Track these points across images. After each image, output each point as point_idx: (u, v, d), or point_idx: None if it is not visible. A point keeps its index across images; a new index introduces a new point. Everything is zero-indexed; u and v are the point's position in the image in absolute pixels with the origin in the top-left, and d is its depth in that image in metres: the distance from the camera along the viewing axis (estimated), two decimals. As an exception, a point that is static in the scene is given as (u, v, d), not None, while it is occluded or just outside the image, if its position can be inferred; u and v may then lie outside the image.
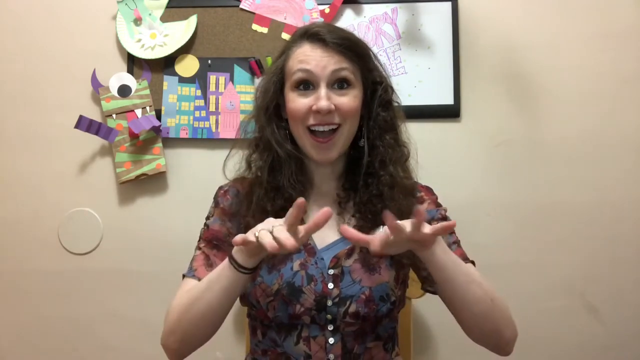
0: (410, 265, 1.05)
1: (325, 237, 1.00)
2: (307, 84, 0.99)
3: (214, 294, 0.92)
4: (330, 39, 0.98)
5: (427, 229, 0.81)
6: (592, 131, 1.50)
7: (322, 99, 0.96)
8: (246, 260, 0.89)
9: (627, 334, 1.50)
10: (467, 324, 0.95)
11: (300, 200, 0.77)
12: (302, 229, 0.82)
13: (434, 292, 1.02)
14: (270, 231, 0.79)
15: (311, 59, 0.98)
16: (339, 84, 0.99)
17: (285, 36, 1.49)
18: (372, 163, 1.02)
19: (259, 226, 0.84)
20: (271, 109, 1.03)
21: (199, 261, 1.02)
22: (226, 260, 0.91)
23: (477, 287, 0.91)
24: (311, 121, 0.98)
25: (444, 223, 0.82)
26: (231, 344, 1.50)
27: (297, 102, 0.99)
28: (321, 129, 0.99)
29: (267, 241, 0.78)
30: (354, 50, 1.00)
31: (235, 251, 0.90)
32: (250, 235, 0.82)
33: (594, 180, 1.50)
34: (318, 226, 0.79)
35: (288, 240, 0.77)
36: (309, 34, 1.00)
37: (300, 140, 1.02)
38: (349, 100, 0.99)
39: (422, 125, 1.49)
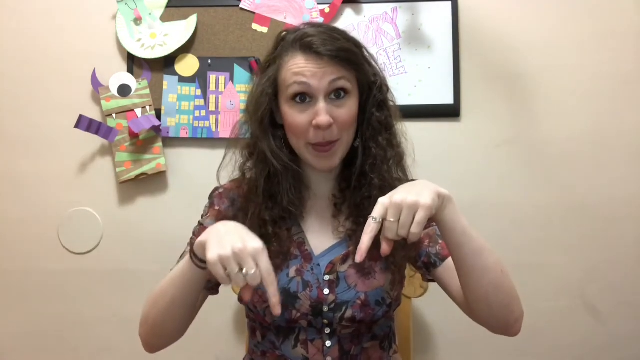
0: (406, 259, 1.03)
1: (322, 243, 1.00)
2: (303, 96, 0.95)
3: (176, 290, 0.91)
4: (325, 51, 0.94)
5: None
6: (592, 131, 1.50)
7: (322, 114, 0.93)
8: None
9: (627, 334, 1.50)
10: (475, 296, 0.90)
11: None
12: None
13: (433, 280, 1.03)
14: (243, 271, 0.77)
15: (307, 70, 0.94)
16: (336, 93, 0.95)
17: (285, 36, 1.49)
18: (365, 164, 1.00)
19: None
20: (266, 120, 1.00)
21: None
22: (187, 255, 0.89)
23: (489, 255, 0.89)
24: (312, 138, 0.96)
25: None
26: (231, 344, 1.50)
27: (295, 117, 0.96)
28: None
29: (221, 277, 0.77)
30: (349, 58, 0.96)
31: (196, 245, 0.84)
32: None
33: (593, 180, 1.50)
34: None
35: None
36: (301, 44, 0.96)
37: (300, 153, 1.00)
38: (347, 111, 0.96)
39: (422, 125, 1.49)
